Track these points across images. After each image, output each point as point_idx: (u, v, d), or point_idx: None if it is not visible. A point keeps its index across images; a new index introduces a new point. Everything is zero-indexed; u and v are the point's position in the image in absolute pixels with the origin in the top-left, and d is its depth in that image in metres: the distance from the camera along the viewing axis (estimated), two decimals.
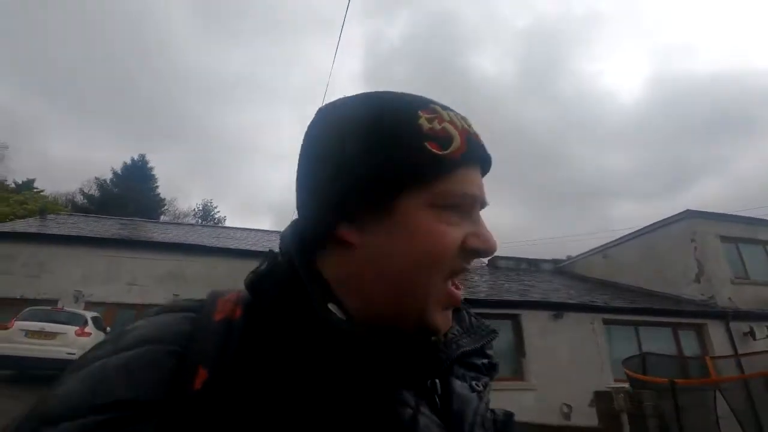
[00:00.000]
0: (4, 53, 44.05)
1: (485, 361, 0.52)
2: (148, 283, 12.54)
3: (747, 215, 12.33)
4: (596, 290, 12.12)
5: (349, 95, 0.48)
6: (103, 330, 9.22)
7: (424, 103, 0.45)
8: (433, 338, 0.43)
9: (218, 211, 32.31)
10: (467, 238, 0.43)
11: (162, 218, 28.04)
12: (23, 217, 16.04)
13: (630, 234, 13.48)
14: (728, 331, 10.09)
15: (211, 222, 30.59)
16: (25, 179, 28.32)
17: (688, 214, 11.71)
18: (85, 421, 0.31)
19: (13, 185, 27.24)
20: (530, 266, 15.99)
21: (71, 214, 17.53)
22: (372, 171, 0.41)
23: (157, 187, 28.88)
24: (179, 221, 26.09)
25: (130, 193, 26.32)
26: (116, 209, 23.76)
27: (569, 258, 16.36)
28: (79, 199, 26.87)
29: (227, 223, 31.28)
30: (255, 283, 0.43)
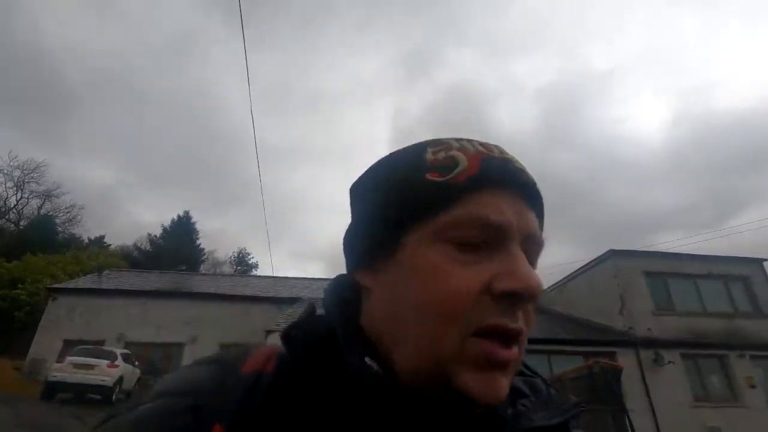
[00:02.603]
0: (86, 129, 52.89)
1: None
2: (173, 326, 15.69)
3: (675, 251, 13.58)
4: (542, 323, 13.70)
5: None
6: (132, 364, 12.27)
7: (438, 140, 0.43)
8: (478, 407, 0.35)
9: (252, 258, 36.24)
10: (494, 279, 0.35)
11: (202, 267, 32.22)
12: (89, 273, 20.13)
13: (577, 270, 15.02)
14: (638, 357, 11.41)
15: (245, 267, 34.57)
16: (97, 235, 33.91)
17: (612, 254, 13.21)
18: None
19: (87, 241, 32.72)
20: None
21: (122, 270, 21.54)
22: (378, 213, 0.41)
23: (198, 239, 33.42)
24: (203, 272, 29.71)
25: (176, 246, 30.79)
26: (165, 261, 28.03)
27: None
28: (134, 252, 31.75)
29: (260, 268, 35.29)
30: (289, 335, 0.41)
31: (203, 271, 28.60)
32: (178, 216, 33.32)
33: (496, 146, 0.43)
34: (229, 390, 0.36)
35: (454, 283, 0.35)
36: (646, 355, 11.46)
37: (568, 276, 15.65)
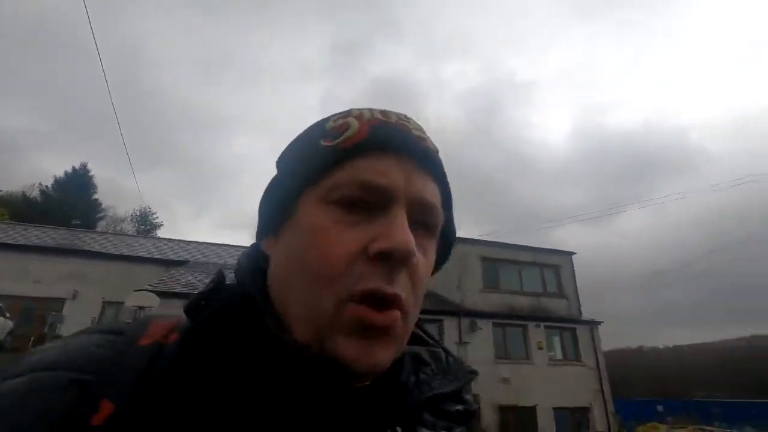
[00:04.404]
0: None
1: (460, 407, 0.43)
2: (54, 282, 15.93)
3: (507, 242, 16.65)
4: None
5: None
6: (3, 315, 12.67)
7: (346, 111, 0.43)
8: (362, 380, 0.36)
9: (156, 217, 35.43)
10: (371, 241, 0.35)
11: (101, 224, 31.11)
12: None
13: None
14: (459, 324, 14.27)
15: (148, 226, 33.86)
16: None
17: (456, 240, 15.85)
18: None
19: None
20: None
21: (2, 222, 20.66)
22: (281, 181, 0.43)
23: (96, 193, 31.97)
24: (98, 230, 29.08)
25: (69, 199, 29.36)
26: (56, 214, 26.78)
27: None
28: (23, 203, 29.73)
29: (164, 229, 34.90)
30: (195, 305, 0.38)
31: (99, 229, 27.77)
32: (74, 168, 31.52)
33: (400, 115, 0.43)
34: (122, 363, 0.33)
35: (333, 244, 0.35)
36: (465, 323, 14.35)
37: None
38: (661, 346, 67.69)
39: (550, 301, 16.16)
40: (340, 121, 0.41)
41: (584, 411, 14.61)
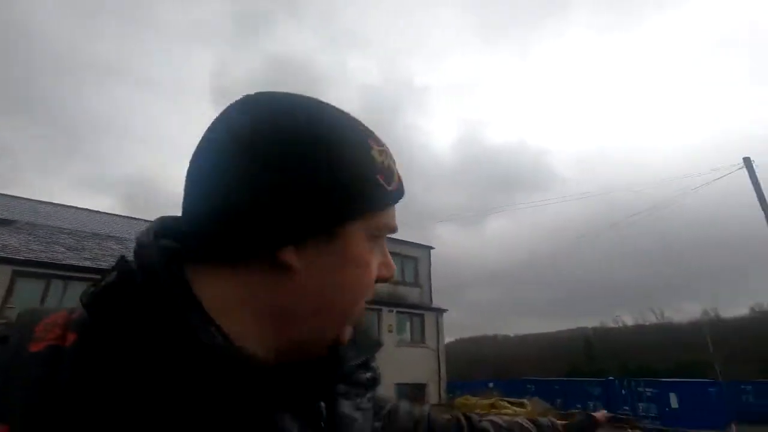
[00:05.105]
0: None
1: (369, 375, 0.49)
2: None
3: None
4: None
5: (292, 94, 0.43)
6: None
7: (369, 133, 0.45)
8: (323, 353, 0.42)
9: None
10: (379, 268, 0.44)
11: None
12: None
13: None
14: None
15: None
16: None
17: None
18: None
19: None
20: None
21: None
22: (325, 193, 0.38)
23: None
24: None
25: None
26: None
27: None
28: None
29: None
30: (97, 298, 0.34)
31: None
32: None
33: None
34: (12, 376, 0.30)
35: (373, 272, 0.43)
36: None
37: None
38: (512, 335, 77.98)
39: (406, 289, 17.67)
40: (385, 162, 0.44)
41: (422, 387, 16.39)
